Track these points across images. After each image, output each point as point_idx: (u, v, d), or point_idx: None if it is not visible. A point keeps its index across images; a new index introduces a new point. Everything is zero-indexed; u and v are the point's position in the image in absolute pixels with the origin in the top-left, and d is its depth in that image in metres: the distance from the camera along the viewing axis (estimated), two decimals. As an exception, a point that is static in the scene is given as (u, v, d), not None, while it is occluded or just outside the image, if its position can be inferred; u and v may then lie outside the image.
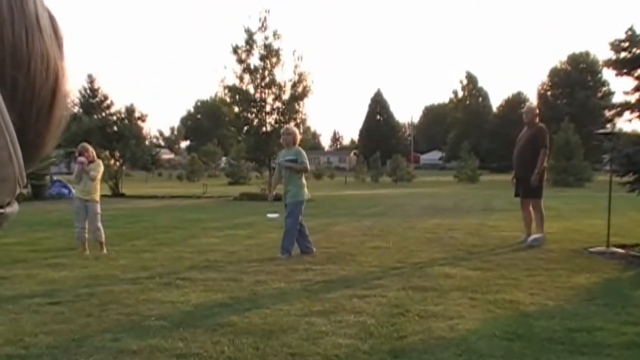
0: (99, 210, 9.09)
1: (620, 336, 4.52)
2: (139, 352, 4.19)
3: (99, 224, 9.02)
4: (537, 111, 10.57)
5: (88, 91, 37.05)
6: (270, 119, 24.70)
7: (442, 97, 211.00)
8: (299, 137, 8.90)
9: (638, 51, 34.93)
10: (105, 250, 9.00)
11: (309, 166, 8.89)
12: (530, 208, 9.86)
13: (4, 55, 0.48)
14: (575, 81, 73.19)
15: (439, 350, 4.21)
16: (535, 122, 10.09)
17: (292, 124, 24.04)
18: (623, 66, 35.47)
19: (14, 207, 0.53)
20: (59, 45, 0.53)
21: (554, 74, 77.27)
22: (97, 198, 9.14)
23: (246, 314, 5.22)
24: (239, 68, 24.43)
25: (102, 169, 9.28)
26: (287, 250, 8.45)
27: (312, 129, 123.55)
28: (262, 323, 4.93)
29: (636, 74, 35.19)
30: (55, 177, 25.64)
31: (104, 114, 31.73)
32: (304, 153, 8.69)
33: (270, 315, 5.17)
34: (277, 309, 5.38)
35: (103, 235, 9.06)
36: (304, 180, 8.70)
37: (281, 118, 24.38)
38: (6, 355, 4.14)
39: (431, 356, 4.09)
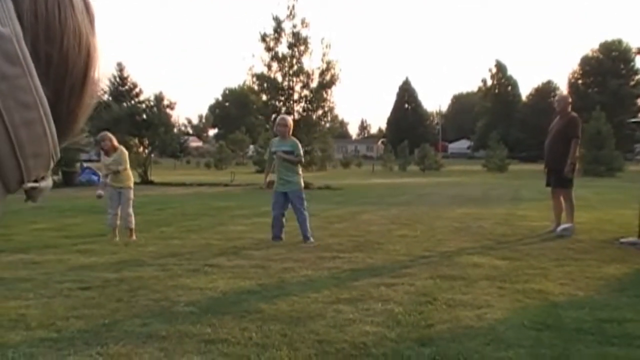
0: (132, 195, 9.20)
1: (652, 327, 4.46)
2: (167, 337, 4.23)
3: (130, 210, 9.10)
4: (570, 100, 10.42)
5: (117, 79, 37.36)
6: (298, 107, 24.64)
7: (471, 85, 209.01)
8: (292, 127, 9.03)
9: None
10: (134, 237, 9.09)
11: (303, 158, 9.21)
12: (561, 198, 9.74)
13: (37, 31, 0.48)
14: (607, 69, 72.10)
15: (467, 339, 4.18)
16: (567, 112, 9.93)
17: (319, 112, 24.05)
18: (657, 54, 34.76)
19: (48, 182, 0.53)
20: (91, 22, 0.53)
21: (585, 62, 76.21)
22: (131, 184, 9.28)
23: (274, 301, 5.25)
24: (267, 56, 24.40)
25: (126, 156, 9.26)
26: (311, 235, 8.70)
27: (340, 117, 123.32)
28: (290, 310, 4.95)
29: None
30: (85, 165, 25.95)
31: (133, 102, 31.92)
32: (300, 145, 8.88)
33: (297, 303, 5.18)
34: (304, 296, 5.39)
35: (133, 222, 9.14)
36: (300, 171, 8.91)
37: (309, 106, 24.32)
38: (39, 338, 4.21)
39: (459, 345, 4.07)
